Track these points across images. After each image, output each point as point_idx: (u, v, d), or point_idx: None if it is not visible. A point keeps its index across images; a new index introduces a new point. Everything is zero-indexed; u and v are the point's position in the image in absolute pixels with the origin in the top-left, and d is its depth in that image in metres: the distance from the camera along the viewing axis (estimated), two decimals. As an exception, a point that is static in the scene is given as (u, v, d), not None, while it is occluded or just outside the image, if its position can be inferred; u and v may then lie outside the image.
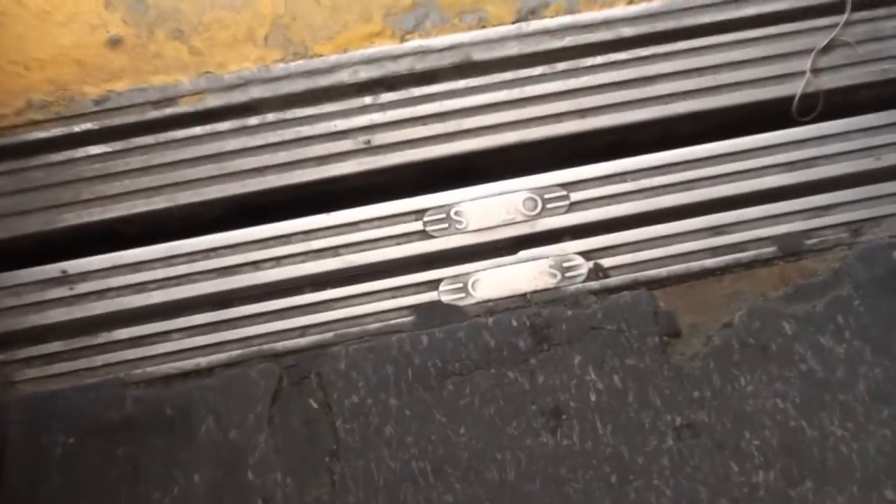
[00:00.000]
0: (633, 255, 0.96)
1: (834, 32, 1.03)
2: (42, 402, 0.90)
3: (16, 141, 0.99)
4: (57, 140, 0.99)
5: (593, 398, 0.91)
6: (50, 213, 0.97)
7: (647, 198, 0.97)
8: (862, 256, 0.95)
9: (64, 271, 0.95)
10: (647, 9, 1.03)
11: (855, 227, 0.97)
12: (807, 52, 1.03)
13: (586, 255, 0.96)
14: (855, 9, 1.05)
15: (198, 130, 1.00)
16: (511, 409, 0.90)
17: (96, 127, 1.00)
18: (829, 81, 1.02)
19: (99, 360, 0.92)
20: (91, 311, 0.94)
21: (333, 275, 0.95)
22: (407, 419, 0.91)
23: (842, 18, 1.04)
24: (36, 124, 0.99)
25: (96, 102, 1.01)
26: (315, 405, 0.92)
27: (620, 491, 0.88)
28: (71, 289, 0.94)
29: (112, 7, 1.03)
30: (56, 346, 0.92)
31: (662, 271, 0.95)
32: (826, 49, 1.03)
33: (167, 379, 0.92)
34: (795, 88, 1.01)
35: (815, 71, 1.02)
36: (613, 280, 0.95)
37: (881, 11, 1.05)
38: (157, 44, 1.03)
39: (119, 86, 1.02)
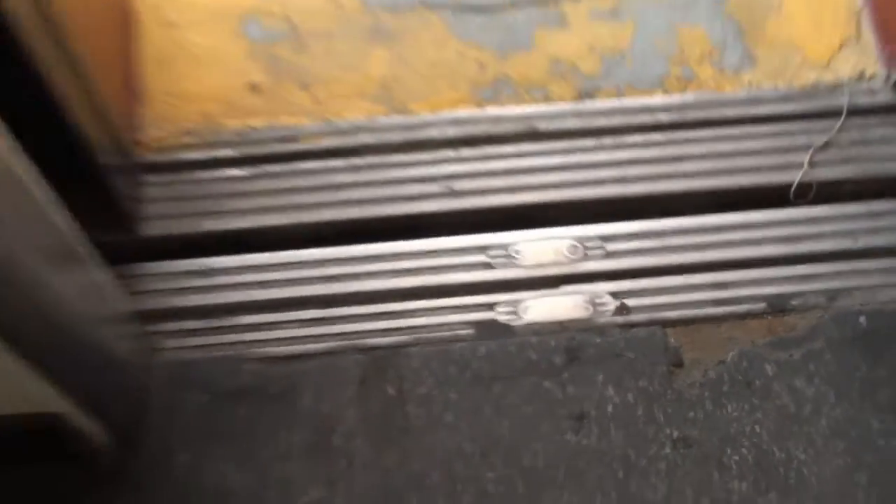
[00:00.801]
0: (651, 298, 1.10)
1: (831, 134, 1.17)
2: (180, 367, 1.04)
3: (171, 159, 1.14)
4: (204, 162, 1.13)
5: (610, 409, 1.05)
6: (195, 220, 1.12)
7: (667, 254, 1.11)
8: (835, 319, 1.07)
9: (204, 266, 1.10)
10: (681, 100, 1.17)
11: (831, 295, 1.09)
12: (806, 148, 1.16)
13: (615, 294, 1.10)
14: (850, 115, 1.19)
15: (316, 165, 1.14)
16: (545, 410, 1.04)
17: (236, 154, 1.13)
18: (822, 174, 1.15)
19: (226, 338, 1.05)
20: (223, 299, 1.07)
21: (414, 290, 1.09)
22: (463, 410, 1.05)
23: (838, 123, 1.18)
24: (188, 147, 1.15)
25: (237, 134, 1.15)
26: (392, 392, 1.06)
27: (625, 484, 1.02)
28: (209, 280, 1.09)
29: (254, 59, 1.19)
30: (193, 324, 1.06)
31: (674, 314, 1.08)
32: (822, 147, 1.17)
33: (277, 360, 1.06)
34: (794, 177, 1.14)
35: (812, 164, 1.15)
36: (634, 317, 1.09)
37: (872, 120, 1.19)
38: (287, 92, 1.18)
39: (255, 122, 1.16)
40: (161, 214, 1.12)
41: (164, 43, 1.18)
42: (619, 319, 1.08)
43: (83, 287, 0.94)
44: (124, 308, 1.04)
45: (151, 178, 1.13)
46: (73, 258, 0.92)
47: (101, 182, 1.06)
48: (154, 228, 1.11)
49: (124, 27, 1.17)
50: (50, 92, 0.93)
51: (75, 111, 0.97)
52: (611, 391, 1.05)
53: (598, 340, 1.07)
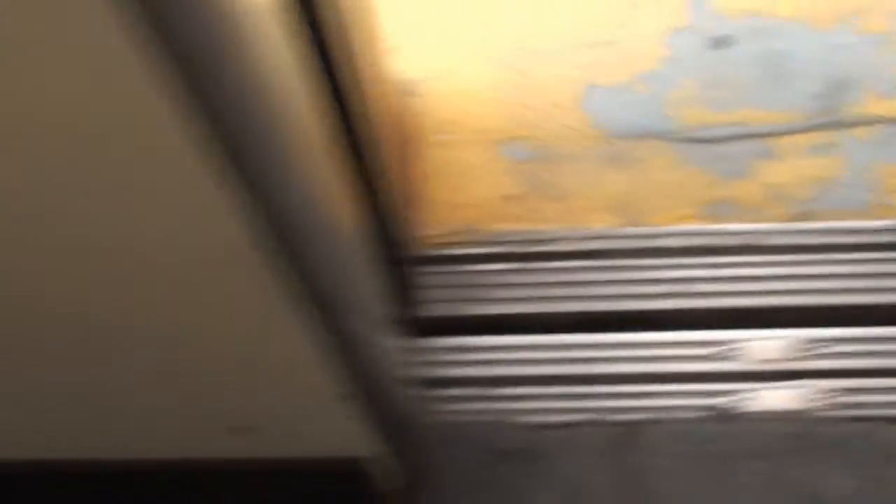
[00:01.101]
0: (866, 396, 1.21)
1: None
2: (455, 427, 1.22)
3: (441, 254, 1.35)
4: (469, 257, 1.34)
5: (838, 493, 1.15)
6: (462, 304, 1.32)
7: (879, 358, 1.24)
8: None
9: (471, 344, 1.28)
10: (885, 225, 1.31)
11: None
12: None
13: (833, 390, 1.21)
14: None
15: (562, 264, 1.32)
16: (779, 490, 1.15)
17: (495, 252, 1.34)
18: None
19: (492, 406, 1.21)
20: (491, 372, 1.24)
21: (651, 375, 1.25)
22: (696, 484, 1.16)
23: None
24: (455, 245, 1.37)
25: (496, 236, 1.35)
26: (632, 462, 1.20)
27: (853, 565, 1.10)
28: (475, 356, 1.28)
29: (511, 174, 1.41)
30: (465, 391, 1.24)
31: (891, 412, 1.20)
32: None
33: (535, 427, 1.22)
34: None
35: None
36: (853, 412, 1.20)
37: None
38: (537, 202, 1.39)
39: (507, 227, 1.36)
40: (433, 299, 1.32)
41: (436, 160, 1.42)
42: (840, 413, 1.19)
43: (391, 351, 1.15)
44: (413, 373, 1.24)
45: (425, 268, 1.34)
46: (385, 327, 1.14)
47: (394, 269, 1.28)
48: (427, 310, 1.31)
49: (405, 147, 1.43)
50: (376, 197, 1.19)
51: (386, 212, 1.22)
52: (840, 476, 1.15)
53: (820, 430, 1.18)
